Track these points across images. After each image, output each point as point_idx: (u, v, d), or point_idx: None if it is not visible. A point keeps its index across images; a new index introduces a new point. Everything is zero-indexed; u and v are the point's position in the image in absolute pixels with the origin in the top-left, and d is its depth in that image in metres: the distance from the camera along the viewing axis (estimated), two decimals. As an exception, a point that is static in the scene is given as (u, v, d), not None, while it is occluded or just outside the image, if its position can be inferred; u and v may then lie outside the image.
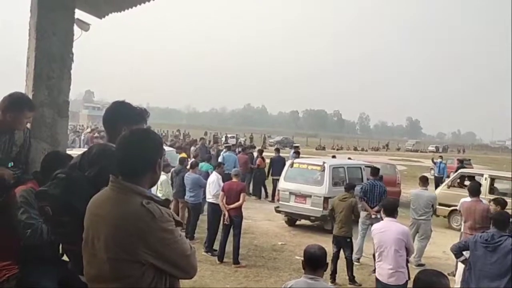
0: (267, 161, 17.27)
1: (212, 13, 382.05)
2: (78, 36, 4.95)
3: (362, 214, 9.52)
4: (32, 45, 4.48)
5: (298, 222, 12.45)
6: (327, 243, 7.83)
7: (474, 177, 13.78)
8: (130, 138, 2.17)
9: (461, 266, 6.31)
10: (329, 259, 4.35)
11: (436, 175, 22.13)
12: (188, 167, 10.90)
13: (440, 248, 10.17)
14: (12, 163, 3.71)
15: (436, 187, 17.05)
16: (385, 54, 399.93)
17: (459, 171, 15.52)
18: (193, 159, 12.38)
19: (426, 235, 9.57)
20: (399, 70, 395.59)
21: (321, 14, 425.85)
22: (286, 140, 61.17)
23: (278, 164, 15.56)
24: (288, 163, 13.25)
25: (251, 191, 16.44)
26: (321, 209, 11.10)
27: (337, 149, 58.07)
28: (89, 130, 26.66)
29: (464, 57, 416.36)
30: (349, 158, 19.12)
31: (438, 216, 12.51)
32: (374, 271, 6.20)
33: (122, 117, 2.74)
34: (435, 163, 24.55)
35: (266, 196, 16.54)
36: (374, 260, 6.41)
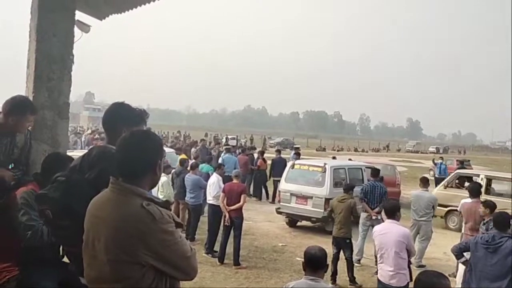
0: (269, 162, 17.25)
1: (212, 13, 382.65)
2: (78, 37, 4.95)
3: (363, 215, 9.52)
4: (33, 46, 4.49)
5: (298, 223, 12.45)
6: (327, 244, 7.83)
7: (471, 177, 13.93)
8: (130, 140, 2.16)
9: (462, 267, 6.31)
10: (329, 261, 4.35)
11: (436, 176, 22.12)
12: (188, 168, 10.90)
13: (441, 249, 10.17)
14: (12, 164, 3.72)
15: (437, 188, 17.08)
16: (385, 54, 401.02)
17: (456, 171, 15.63)
18: (193, 160, 12.38)
19: (426, 236, 9.57)
20: (399, 70, 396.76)
21: (321, 14, 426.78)
22: (286, 141, 61.13)
23: (279, 165, 15.54)
24: (289, 164, 13.25)
25: (251, 192, 16.42)
26: (322, 210, 11.09)
27: (338, 150, 58.08)
28: (89, 131, 26.69)
29: (464, 57, 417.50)
30: (350, 159, 19.13)
31: (435, 216, 12.53)
32: (377, 272, 6.21)
33: (122, 118, 2.73)
34: (435, 164, 24.57)
35: (267, 197, 16.53)
36: (376, 261, 6.42)
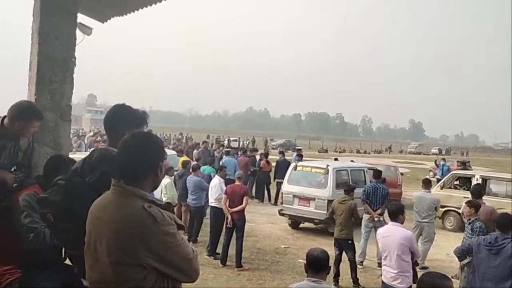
0: (273, 164, 17.19)
1: (212, 14, 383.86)
2: (80, 40, 4.96)
3: (365, 217, 9.51)
4: (35, 49, 4.50)
5: (301, 225, 12.44)
6: (330, 246, 7.83)
7: (470, 178, 14.22)
8: (131, 142, 2.16)
9: (464, 269, 6.29)
10: (331, 262, 4.34)
11: (439, 177, 22.08)
12: (190, 170, 10.89)
13: (444, 251, 10.14)
14: (15, 167, 3.73)
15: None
16: (386, 54, 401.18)
17: (452, 172, 15.76)
18: (195, 162, 12.38)
19: (429, 238, 9.56)
20: (399, 70, 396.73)
21: (321, 14, 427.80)
22: (288, 143, 61.18)
23: (283, 167, 15.50)
24: (291, 166, 13.25)
25: (253, 194, 16.41)
26: (325, 212, 11.07)
27: (340, 152, 58.03)
28: (92, 133, 26.73)
29: (464, 57, 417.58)
30: (352, 161, 19.12)
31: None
32: (382, 274, 6.20)
33: (123, 120, 2.73)
34: (437, 165, 24.57)
35: (269, 199, 16.51)
36: (379, 264, 6.41)
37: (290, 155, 23.20)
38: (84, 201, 2.29)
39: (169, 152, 13.37)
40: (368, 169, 13.22)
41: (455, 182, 14.84)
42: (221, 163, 15.03)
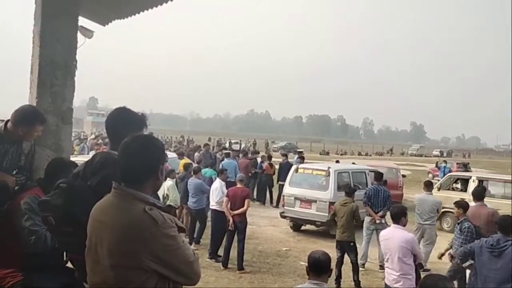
0: (276, 166, 17.10)
1: (213, 16, 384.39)
2: (81, 43, 4.97)
3: (367, 219, 9.50)
4: (36, 52, 4.51)
5: (302, 227, 12.43)
6: (331, 249, 7.82)
7: (467, 180, 14.46)
8: (132, 145, 2.16)
9: (467, 271, 6.27)
10: (333, 265, 4.33)
11: (440, 179, 22.11)
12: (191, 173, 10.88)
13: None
14: (16, 170, 3.73)
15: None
16: (386, 55, 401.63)
17: (449, 174, 15.88)
18: (196, 165, 12.37)
19: (431, 240, 9.53)
20: (400, 71, 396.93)
21: (322, 16, 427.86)
22: (289, 145, 61.22)
23: (286, 170, 15.44)
24: (292, 168, 13.24)
25: (255, 196, 16.39)
26: (327, 214, 11.05)
27: (341, 154, 58.08)
28: (93, 136, 26.78)
29: (464, 57, 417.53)
30: (353, 163, 19.11)
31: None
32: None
33: (124, 123, 2.74)
34: (439, 168, 24.59)
35: (271, 201, 16.49)
36: (380, 266, 6.39)
37: (292, 158, 23.21)
38: (86, 204, 2.29)
39: (170, 154, 13.36)
40: (370, 171, 13.21)
41: (453, 184, 15.02)
42: (221, 165, 15.04)
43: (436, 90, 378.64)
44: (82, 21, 5.14)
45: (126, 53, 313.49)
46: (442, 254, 7.28)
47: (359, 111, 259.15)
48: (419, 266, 5.94)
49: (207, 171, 12.59)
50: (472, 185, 13.49)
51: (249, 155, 18.88)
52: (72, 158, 5.45)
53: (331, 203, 10.94)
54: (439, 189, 14.30)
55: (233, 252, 8.72)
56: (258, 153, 23.23)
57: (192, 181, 10.18)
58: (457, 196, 13.01)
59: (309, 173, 12.51)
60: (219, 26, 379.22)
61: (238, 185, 8.91)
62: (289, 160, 17.54)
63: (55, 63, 4.51)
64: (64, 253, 3.29)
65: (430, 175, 26.36)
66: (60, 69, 4.54)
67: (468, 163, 29.17)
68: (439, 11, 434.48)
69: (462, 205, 6.89)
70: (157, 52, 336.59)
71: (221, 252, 8.97)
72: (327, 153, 58.09)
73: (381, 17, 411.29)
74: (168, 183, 9.70)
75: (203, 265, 8.20)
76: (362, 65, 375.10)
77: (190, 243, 9.12)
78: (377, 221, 9.20)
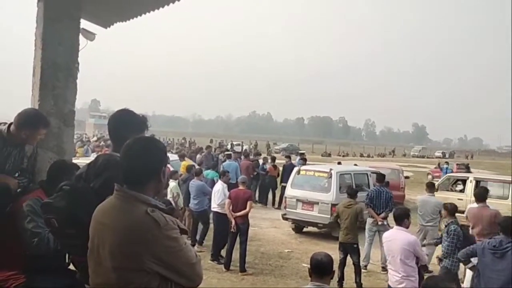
0: (280, 168, 17.03)
1: (213, 17, 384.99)
2: (83, 45, 4.99)
3: (369, 220, 9.49)
4: (38, 55, 4.53)
5: (304, 229, 12.41)
6: (334, 250, 7.81)
7: (465, 180, 14.62)
8: (134, 147, 2.16)
9: (469, 273, 6.26)
10: (335, 266, 4.33)
11: (440, 180, 22.14)
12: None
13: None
14: (18, 172, 3.74)
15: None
16: (387, 56, 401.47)
17: (446, 174, 15.88)
18: (197, 166, 12.37)
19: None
20: (401, 71, 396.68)
21: (323, 17, 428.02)
22: (291, 147, 61.11)
23: (289, 171, 15.43)
24: (294, 170, 13.23)
25: (257, 198, 16.37)
26: (329, 216, 11.05)
27: (343, 156, 57.96)
28: (95, 138, 26.81)
29: (464, 57, 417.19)
30: (355, 165, 19.09)
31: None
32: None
33: (125, 125, 2.75)
34: (441, 169, 24.57)
35: (273, 203, 16.47)
36: (383, 268, 6.37)
37: (294, 159, 23.19)
38: (89, 206, 2.29)
39: (172, 157, 13.35)
40: (372, 172, 13.20)
41: (452, 185, 15.07)
42: (221, 167, 15.04)
43: (436, 90, 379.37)
44: (84, 23, 5.17)
45: (128, 55, 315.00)
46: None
47: (361, 112, 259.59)
48: (422, 268, 5.91)
49: (209, 173, 12.59)
50: (469, 186, 13.70)
51: (251, 157, 18.85)
52: (75, 161, 5.46)
53: (333, 205, 10.92)
54: (437, 190, 14.26)
55: (235, 254, 8.71)
56: (260, 154, 23.23)
57: (194, 183, 10.18)
58: (455, 197, 13.09)
59: (311, 175, 12.49)
60: (221, 28, 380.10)
61: (240, 187, 8.91)
62: (292, 162, 17.51)
63: (57, 65, 4.52)
64: (67, 255, 3.29)
65: (430, 176, 26.31)
66: (62, 71, 4.56)
67: (468, 164, 29.14)
68: (439, 11, 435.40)
69: (447, 207, 6.91)
70: (158, 53, 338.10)
71: (223, 253, 8.97)
72: (329, 155, 58.04)
73: (381, 17, 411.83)
74: (171, 184, 9.71)
75: (205, 267, 8.20)
76: (364, 67, 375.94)
77: (193, 245, 9.11)
78: (379, 223, 9.19)
